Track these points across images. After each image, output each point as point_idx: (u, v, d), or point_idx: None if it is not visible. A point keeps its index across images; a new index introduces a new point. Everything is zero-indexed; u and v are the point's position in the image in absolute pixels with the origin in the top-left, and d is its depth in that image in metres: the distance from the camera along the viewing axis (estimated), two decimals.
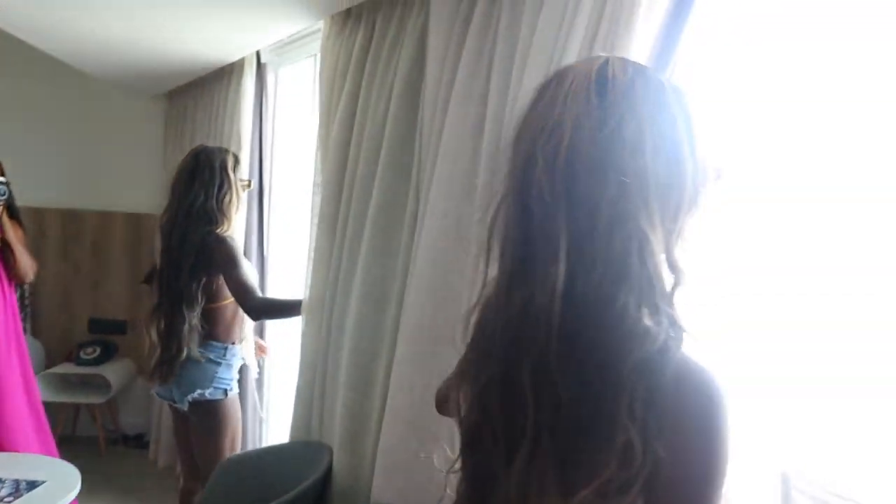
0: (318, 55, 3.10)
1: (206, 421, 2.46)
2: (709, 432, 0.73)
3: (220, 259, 2.36)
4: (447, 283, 1.65)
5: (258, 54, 3.30)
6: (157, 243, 2.55)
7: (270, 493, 2.16)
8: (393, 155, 1.96)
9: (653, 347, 0.73)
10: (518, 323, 0.80)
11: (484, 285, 0.91)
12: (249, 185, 2.67)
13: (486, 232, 0.87)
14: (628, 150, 0.75)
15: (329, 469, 2.17)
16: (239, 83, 3.35)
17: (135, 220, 4.66)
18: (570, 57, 1.33)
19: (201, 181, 2.41)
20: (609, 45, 1.26)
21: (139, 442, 4.53)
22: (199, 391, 2.41)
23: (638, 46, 1.24)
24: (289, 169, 3.43)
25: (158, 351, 2.45)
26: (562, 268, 0.75)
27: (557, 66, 1.34)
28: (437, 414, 1.63)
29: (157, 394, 2.57)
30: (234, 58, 3.35)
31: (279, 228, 3.45)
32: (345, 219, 2.21)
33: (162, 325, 2.43)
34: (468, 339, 0.91)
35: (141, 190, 4.58)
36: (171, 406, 2.58)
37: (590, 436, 0.74)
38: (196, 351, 2.40)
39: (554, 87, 0.82)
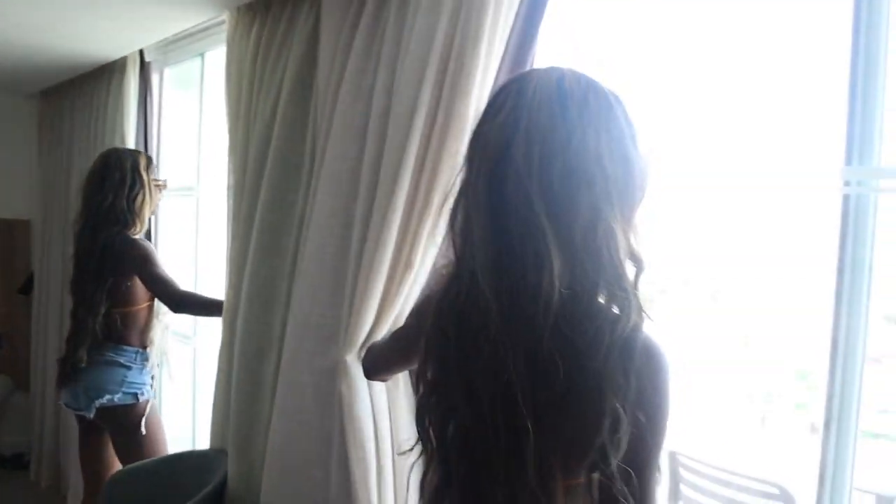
0: (206, 54, 3.06)
1: (118, 428, 2.40)
2: (667, 397, 0.89)
3: (133, 260, 2.36)
4: (334, 281, 1.67)
5: (141, 53, 3.18)
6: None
7: None
8: (281, 153, 1.96)
9: (626, 329, 0.86)
10: (509, 314, 0.87)
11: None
12: (165, 186, 2.64)
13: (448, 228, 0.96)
14: (592, 158, 0.87)
15: (226, 476, 2.12)
16: (121, 83, 3.22)
17: (6, 227, 4.37)
18: (435, 59, 1.39)
19: (111, 183, 2.40)
20: (460, 48, 1.37)
21: (18, 462, 4.25)
22: (107, 396, 2.34)
23: (486, 50, 1.33)
24: (178, 171, 3.33)
25: (63, 356, 2.42)
26: (556, 264, 0.85)
27: (427, 65, 1.42)
28: (326, 413, 1.65)
29: (65, 404, 2.48)
30: (116, 56, 3.22)
31: (168, 231, 3.35)
32: (237, 219, 2.19)
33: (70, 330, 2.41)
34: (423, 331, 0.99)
35: (12, 194, 4.31)
36: (77, 417, 2.48)
37: (583, 413, 0.86)
38: (89, 355, 2.35)
39: (515, 97, 0.91)
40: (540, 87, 0.90)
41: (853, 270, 1.20)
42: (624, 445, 0.84)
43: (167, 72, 3.32)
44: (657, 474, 0.90)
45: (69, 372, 2.37)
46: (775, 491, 2.43)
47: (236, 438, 2.06)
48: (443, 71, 1.42)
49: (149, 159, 2.55)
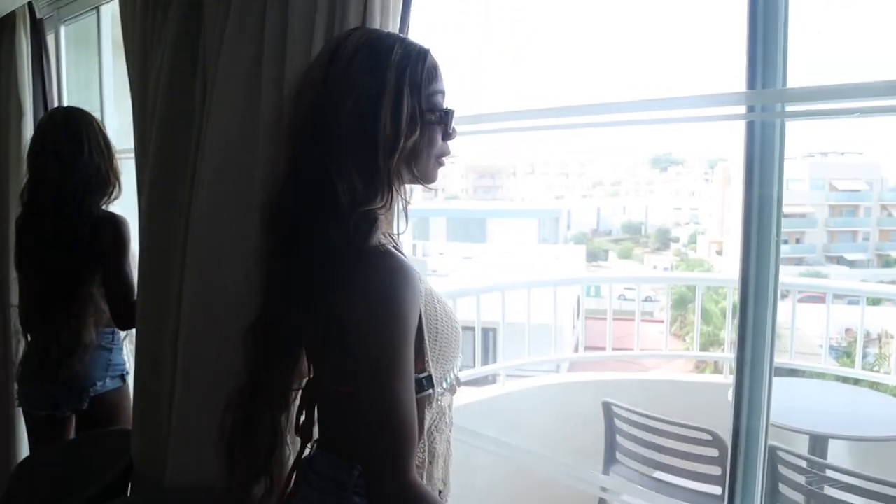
0: (101, 7, 2.84)
1: (110, 416, 2.18)
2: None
3: (113, 241, 2.07)
4: (232, 242, 1.54)
5: (31, 8, 2.94)
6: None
7: (75, 490, 1.98)
8: (171, 107, 1.80)
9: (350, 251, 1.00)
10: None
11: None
12: None
13: None
14: (331, 110, 0.99)
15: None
16: (12, 43, 2.97)
17: None
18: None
19: (93, 142, 2.11)
20: None
21: None
22: (98, 384, 2.14)
23: None
24: None
25: (40, 348, 2.12)
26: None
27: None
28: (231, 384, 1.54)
29: (30, 406, 2.22)
30: (2, 11, 2.96)
31: None
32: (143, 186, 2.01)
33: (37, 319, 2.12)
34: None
35: None
36: (40, 420, 2.22)
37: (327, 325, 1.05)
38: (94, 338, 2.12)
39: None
40: (328, 43, 1.09)
41: (760, 205, 1.13)
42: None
43: (63, 30, 3.08)
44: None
45: (47, 367, 2.10)
46: (708, 437, 2.42)
47: (138, 413, 1.93)
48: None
49: None
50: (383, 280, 1.00)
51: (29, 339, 2.22)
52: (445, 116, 1.05)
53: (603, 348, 4.03)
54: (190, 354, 1.69)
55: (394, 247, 1.09)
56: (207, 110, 1.62)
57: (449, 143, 1.09)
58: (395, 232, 1.20)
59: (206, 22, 1.71)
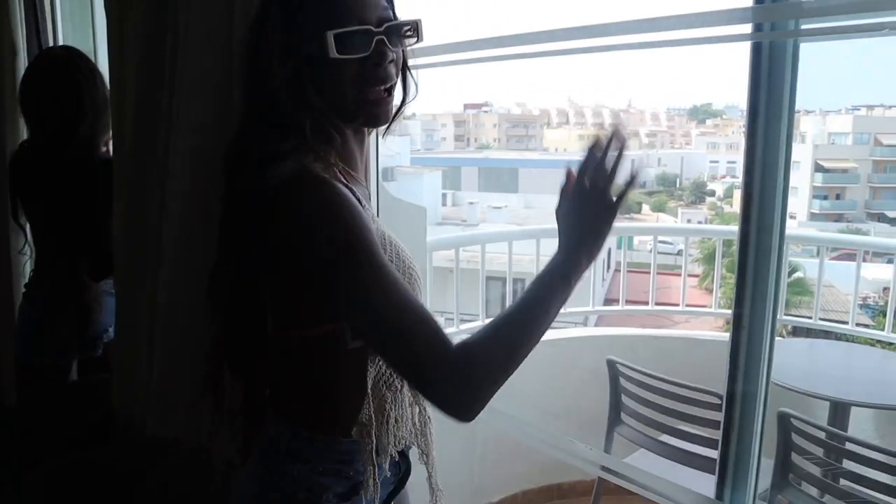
0: None
1: None
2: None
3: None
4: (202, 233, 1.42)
5: None
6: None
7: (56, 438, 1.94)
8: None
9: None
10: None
11: None
12: None
13: None
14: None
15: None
16: None
17: None
18: None
19: (92, 84, 2.03)
20: None
21: None
22: (110, 329, 2.04)
23: None
24: None
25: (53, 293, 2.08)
26: None
27: None
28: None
29: (32, 356, 2.15)
30: None
31: None
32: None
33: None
34: None
35: None
36: (38, 369, 2.17)
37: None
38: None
39: None
40: None
41: (765, 142, 0.97)
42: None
43: None
44: None
45: (64, 313, 2.06)
46: (717, 401, 2.29)
47: (119, 362, 1.86)
48: None
49: None
50: (311, 205, 0.89)
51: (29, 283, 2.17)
52: (324, 43, 0.90)
53: (634, 302, 3.88)
54: (169, 307, 1.60)
55: (342, 182, 0.94)
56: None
57: (382, 69, 0.93)
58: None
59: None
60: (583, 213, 0.92)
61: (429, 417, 1.11)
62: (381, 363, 1.00)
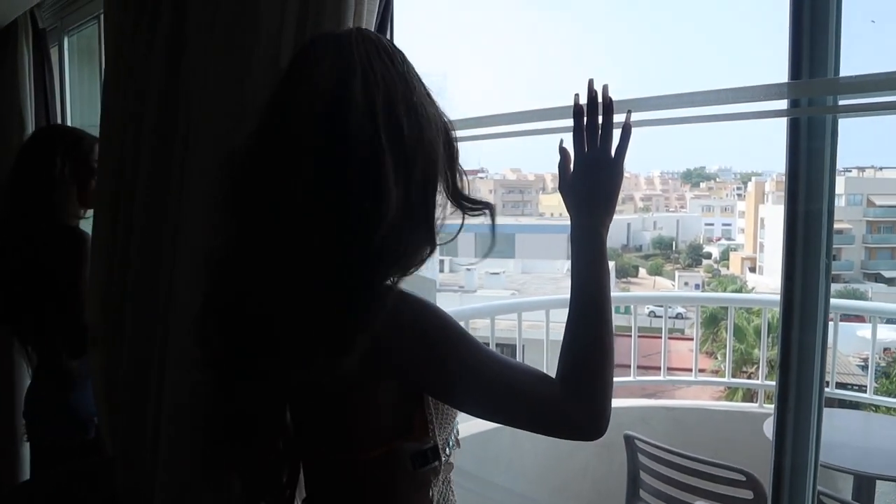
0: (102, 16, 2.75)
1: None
2: None
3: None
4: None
5: (33, 17, 2.85)
6: None
7: None
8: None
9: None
10: None
11: None
12: None
13: None
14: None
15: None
16: (15, 54, 2.89)
17: None
18: None
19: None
20: None
21: None
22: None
23: None
24: None
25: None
26: None
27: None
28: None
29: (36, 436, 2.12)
30: (3, 20, 2.88)
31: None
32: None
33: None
34: None
35: None
36: (45, 451, 2.13)
37: None
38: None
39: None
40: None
41: (806, 218, 0.94)
42: None
43: (67, 41, 2.99)
44: None
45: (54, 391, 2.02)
46: (742, 478, 2.20)
47: (119, 443, 1.78)
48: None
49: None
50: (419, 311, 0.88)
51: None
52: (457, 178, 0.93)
53: (628, 366, 3.81)
54: (174, 385, 1.54)
55: None
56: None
57: None
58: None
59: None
60: (588, 179, 0.90)
61: None
62: (442, 485, 0.96)
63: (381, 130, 0.80)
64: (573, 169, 0.92)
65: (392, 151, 0.81)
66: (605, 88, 0.90)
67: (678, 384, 4.74)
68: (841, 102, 0.91)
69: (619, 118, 0.90)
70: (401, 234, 0.82)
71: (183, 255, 1.50)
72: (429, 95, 0.89)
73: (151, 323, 1.71)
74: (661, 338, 3.76)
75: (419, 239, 0.87)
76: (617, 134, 0.91)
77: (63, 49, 3.01)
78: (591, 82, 0.90)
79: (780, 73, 0.94)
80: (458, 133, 1.08)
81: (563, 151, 0.93)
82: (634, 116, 0.92)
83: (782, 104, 0.95)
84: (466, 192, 0.92)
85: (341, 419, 0.92)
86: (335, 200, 0.81)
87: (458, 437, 1.02)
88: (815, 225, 0.93)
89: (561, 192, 0.94)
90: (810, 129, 0.92)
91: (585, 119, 0.90)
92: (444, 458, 0.94)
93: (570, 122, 1.19)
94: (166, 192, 1.65)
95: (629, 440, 2.48)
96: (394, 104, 0.82)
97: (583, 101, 0.91)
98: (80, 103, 3.09)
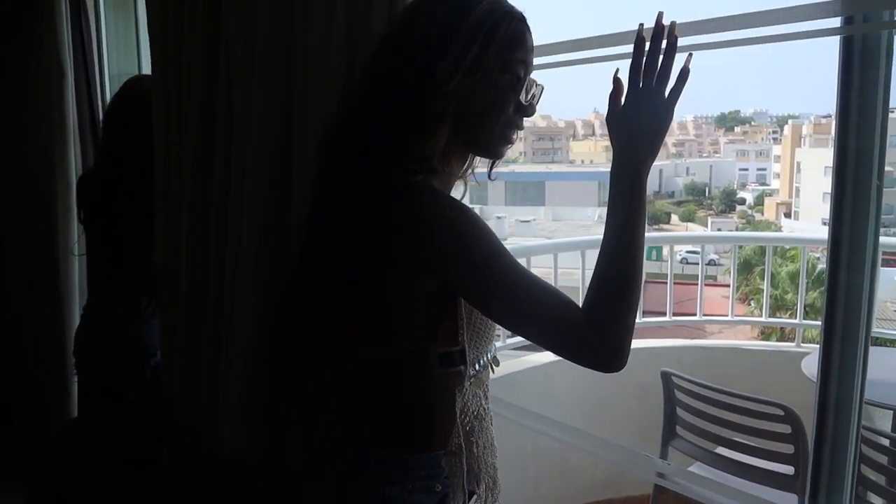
0: None
1: None
2: None
3: None
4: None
5: None
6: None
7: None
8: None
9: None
10: None
11: None
12: None
13: None
14: (397, 43, 0.99)
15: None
16: (50, 2, 2.91)
17: None
18: None
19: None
20: None
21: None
22: (159, 352, 2.06)
23: None
24: None
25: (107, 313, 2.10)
26: None
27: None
28: None
29: (88, 376, 2.17)
30: None
31: None
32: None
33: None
34: None
35: None
36: (96, 391, 2.18)
37: None
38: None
39: None
40: None
41: (857, 146, 0.93)
42: None
43: None
44: None
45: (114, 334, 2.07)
46: (780, 412, 2.22)
47: (180, 376, 1.85)
48: None
49: None
50: (447, 207, 0.93)
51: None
52: (520, 83, 0.97)
53: (664, 313, 3.81)
54: (236, 317, 1.58)
55: None
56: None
57: (522, 118, 1.00)
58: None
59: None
60: (638, 116, 0.90)
61: (495, 448, 1.11)
62: (468, 394, 1.01)
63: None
64: (624, 101, 0.92)
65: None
66: (672, 26, 0.88)
67: (714, 324, 4.73)
68: None
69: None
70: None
71: (240, 202, 1.53)
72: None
73: (206, 266, 1.76)
74: (694, 284, 3.74)
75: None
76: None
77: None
78: (660, 15, 0.89)
79: None
80: None
81: (616, 81, 0.92)
82: (684, 41, 0.91)
83: (836, 22, 0.93)
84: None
85: (382, 315, 0.97)
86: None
87: (494, 361, 1.08)
88: (866, 161, 0.92)
89: (608, 123, 0.94)
90: (864, 51, 0.90)
91: (646, 54, 0.89)
92: (472, 370, 1.00)
93: (601, 52, 1.18)
94: (213, 142, 1.69)
95: (666, 377, 2.51)
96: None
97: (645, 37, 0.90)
98: (115, 50, 3.11)
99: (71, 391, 2.77)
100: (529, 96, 0.98)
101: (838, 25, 0.92)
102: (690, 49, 0.93)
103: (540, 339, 0.92)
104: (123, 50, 3.15)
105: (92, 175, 2.17)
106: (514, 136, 1.01)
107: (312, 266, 1.06)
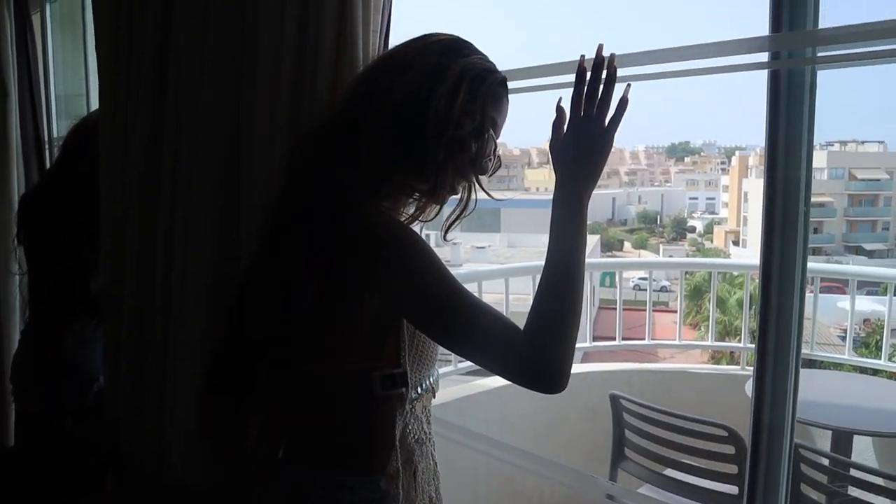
0: None
1: None
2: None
3: None
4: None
5: None
6: None
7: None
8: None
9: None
10: None
11: None
12: None
13: None
14: (387, 79, 0.99)
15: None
16: None
17: None
18: None
19: None
20: None
21: None
22: (101, 377, 1.99)
23: None
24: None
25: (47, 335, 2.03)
26: None
27: None
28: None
29: (26, 403, 2.10)
30: None
31: None
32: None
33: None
34: None
35: None
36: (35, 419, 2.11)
37: None
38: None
39: None
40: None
41: (786, 171, 0.97)
42: None
43: (49, 8, 2.96)
44: None
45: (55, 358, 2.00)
46: (724, 433, 2.27)
47: (122, 401, 1.80)
48: None
49: None
50: (398, 226, 0.96)
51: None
52: (489, 140, 0.99)
53: (614, 337, 3.87)
54: (183, 337, 1.55)
55: None
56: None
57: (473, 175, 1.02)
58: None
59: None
60: (579, 144, 0.93)
61: (437, 472, 1.11)
62: (409, 417, 1.01)
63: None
64: (566, 130, 0.95)
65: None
66: (611, 58, 0.92)
67: (664, 348, 4.81)
68: (820, 54, 0.95)
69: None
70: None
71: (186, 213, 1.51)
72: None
73: (151, 286, 1.73)
74: (646, 310, 3.81)
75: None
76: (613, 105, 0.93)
77: (45, 16, 2.97)
78: (599, 48, 0.93)
79: (761, 27, 0.97)
80: None
81: (559, 110, 0.96)
82: (623, 71, 0.95)
83: (763, 57, 0.98)
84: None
85: (324, 329, 0.97)
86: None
87: (436, 385, 1.08)
88: (793, 183, 0.96)
89: (550, 150, 0.97)
90: (790, 85, 0.95)
91: (587, 84, 0.93)
92: (414, 393, 1.01)
93: (549, 80, 1.21)
94: (159, 161, 1.67)
95: (614, 399, 2.54)
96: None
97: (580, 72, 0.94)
98: (63, 71, 3.06)
99: (8, 418, 2.67)
100: (488, 155, 1.00)
101: (766, 60, 0.97)
102: (630, 79, 0.97)
103: (482, 360, 0.93)
104: (71, 71, 3.10)
105: (37, 194, 2.12)
106: (460, 189, 1.03)
107: (259, 275, 1.07)
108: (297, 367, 1.02)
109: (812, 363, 4.11)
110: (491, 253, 26.89)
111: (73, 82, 3.07)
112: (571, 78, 0.99)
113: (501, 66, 1.02)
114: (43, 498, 1.74)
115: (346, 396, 0.99)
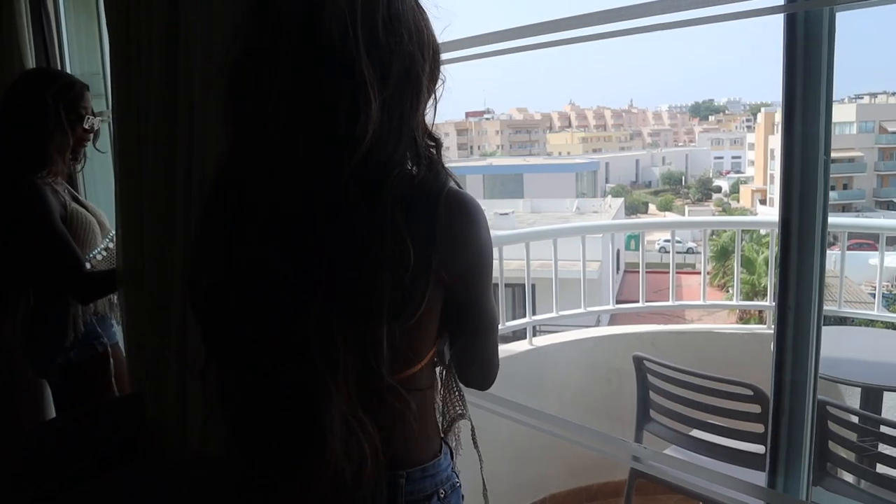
0: None
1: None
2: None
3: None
4: None
5: None
6: None
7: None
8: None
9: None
10: None
11: None
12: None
13: None
14: None
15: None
16: (10, 3, 2.86)
17: None
18: None
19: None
20: None
21: None
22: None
23: None
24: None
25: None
26: None
27: None
28: None
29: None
30: None
31: None
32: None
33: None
34: None
35: None
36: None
37: None
38: None
39: None
40: None
41: (803, 122, 0.94)
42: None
43: None
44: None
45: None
46: (749, 392, 2.25)
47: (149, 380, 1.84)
48: None
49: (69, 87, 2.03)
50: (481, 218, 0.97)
51: None
52: None
53: (651, 301, 3.85)
54: None
55: None
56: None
57: None
58: None
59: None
60: None
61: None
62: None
63: (359, 36, 0.76)
64: None
65: (370, 59, 0.77)
66: None
67: (687, 308, 4.77)
68: None
69: None
70: (386, 145, 0.80)
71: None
72: (419, 8, 0.84)
73: (170, 262, 1.75)
74: (667, 272, 3.77)
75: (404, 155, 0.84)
76: None
77: None
78: None
79: None
80: (458, 53, 1.08)
81: None
82: (632, 24, 0.92)
83: (779, 0, 0.94)
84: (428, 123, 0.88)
85: (411, 335, 0.86)
86: (313, 107, 0.78)
87: None
88: (812, 133, 0.93)
89: None
90: (807, 25, 0.91)
91: None
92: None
93: (567, 35, 1.18)
94: (175, 140, 1.67)
95: (638, 361, 2.53)
96: (374, 11, 0.78)
97: None
98: (77, 50, 3.07)
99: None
100: None
101: (782, 3, 0.94)
102: (646, 30, 0.94)
103: (481, 353, 1.00)
104: (87, 49, 3.11)
105: None
106: None
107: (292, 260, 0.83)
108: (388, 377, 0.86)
109: (843, 320, 4.05)
110: (515, 219, 26.80)
111: (90, 61, 3.08)
112: (588, 32, 0.96)
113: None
114: (72, 472, 1.78)
115: (425, 382, 0.94)
